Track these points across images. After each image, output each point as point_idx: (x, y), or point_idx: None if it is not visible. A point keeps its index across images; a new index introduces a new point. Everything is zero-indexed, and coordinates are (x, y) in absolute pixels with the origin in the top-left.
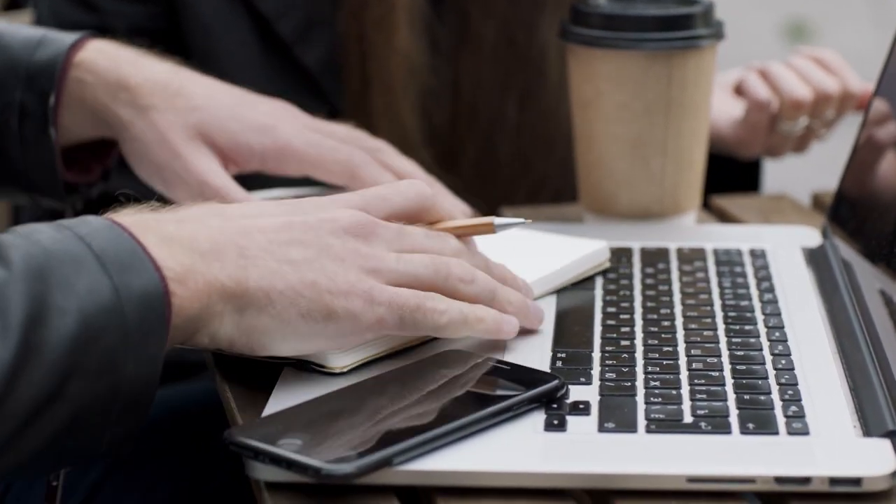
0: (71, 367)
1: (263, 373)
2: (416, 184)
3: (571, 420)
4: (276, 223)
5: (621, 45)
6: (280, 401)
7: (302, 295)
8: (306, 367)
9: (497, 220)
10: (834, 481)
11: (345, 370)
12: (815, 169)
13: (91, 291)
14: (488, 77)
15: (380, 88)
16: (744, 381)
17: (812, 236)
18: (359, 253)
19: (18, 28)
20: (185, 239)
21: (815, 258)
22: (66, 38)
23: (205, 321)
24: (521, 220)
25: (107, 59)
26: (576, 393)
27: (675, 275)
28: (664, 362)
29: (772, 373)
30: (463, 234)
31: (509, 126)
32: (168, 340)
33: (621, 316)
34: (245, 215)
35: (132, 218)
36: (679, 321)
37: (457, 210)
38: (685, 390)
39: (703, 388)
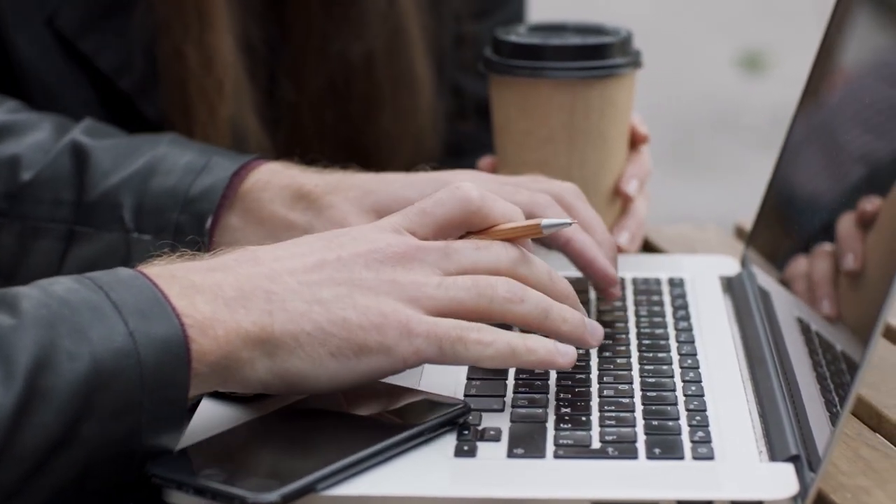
0: (82, 410)
1: None
2: (459, 190)
3: (481, 446)
4: (307, 263)
5: (522, 73)
6: (197, 432)
7: (332, 334)
8: (219, 395)
9: (544, 222)
10: None
11: (254, 395)
12: (744, 198)
13: (105, 337)
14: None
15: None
16: (653, 408)
17: (732, 265)
18: (396, 283)
19: (183, 151)
20: (209, 288)
21: (733, 287)
22: (232, 163)
23: (233, 368)
24: (568, 220)
25: (281, 176)
26: (488, 420)
27: (593, 304)
28: (576, 389)
29: (681, 399)
30: (511, 238)
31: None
32: (192, 387)
33: None
34: (278, 258)
35: (159, 269)
36: (594, 349)
37: (510, 212)
38: (595, 417)
39: (613, 414)
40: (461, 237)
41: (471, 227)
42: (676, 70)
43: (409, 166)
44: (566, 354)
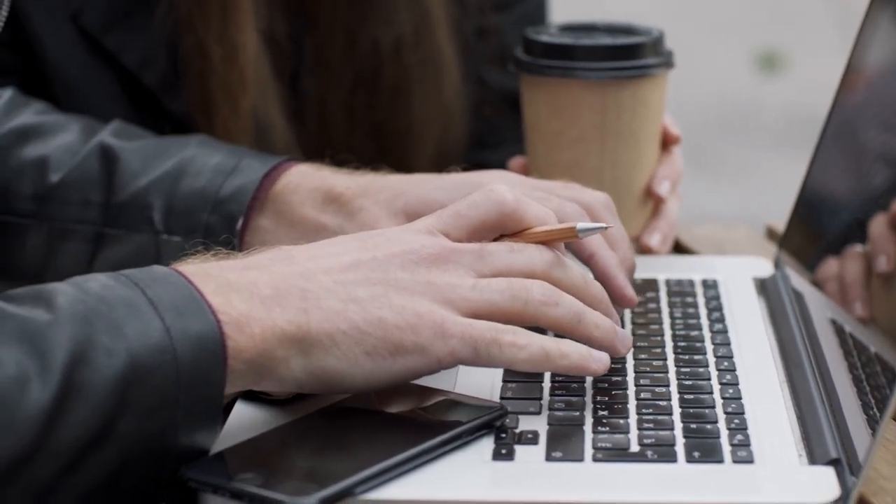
0: (119, 406)
1: None
2: (494, 193)
3: (519, 449)
4: (343, 263)
5: (554, 73)
6: (233, 434)
7: (367, 333)
8: (254, 397)
9: (580, 225)
10: None
11: (290, 398)
12: (773, 198)
13: (141, 333)
14: (336, 102)
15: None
16: (691, 411)
17: (764, 267)
18: (431, 284)
19: (212, 152)
20: (245, 286)
21: (767, 288)
22: (262, 165)
23: (269, 367)
24: (604, 224)
25: (312, 178)
26: (525, 422)
27: None
28: (613, 392)
29: (719, 402)
30: (546, 241)
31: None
32: (228, 384)
33: None
34: (312, 257)
35: (194, 267)
36: (629, 351)
37: (545, 215)
38: (633, 419)
39: (651, 417)
40: (495, 240)
41: (505, 229)
42: (691, 70)
43: (437, 152)
44: (599, 361)
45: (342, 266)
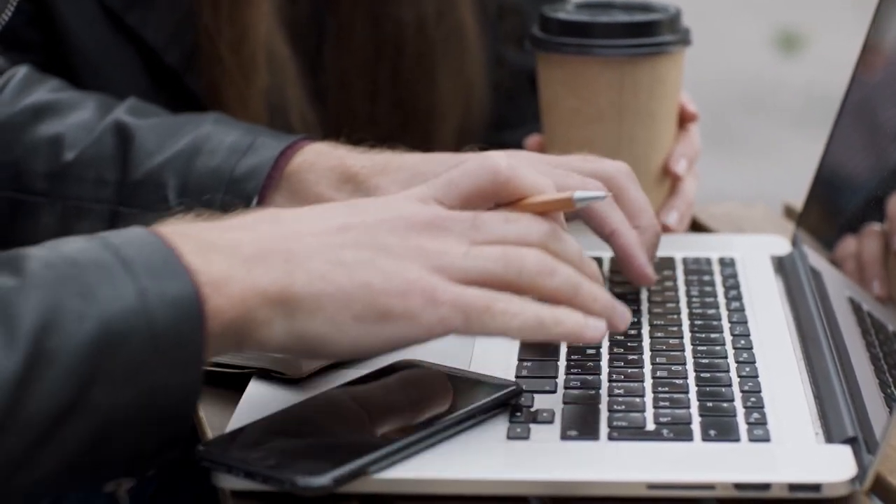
0: (92, 373)
1: (230, 383)
2: (488, 161)
3: (534, 428)
4: (331, 226)
5: (570, 50)
6: (246, 413)
7: (354, 297)
8: (267, 377)
9: (577, 194)
10: (793, 487)
11: (303, 377)
12: (790, 177)
13: (114, 297)
14: (357, 75)
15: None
16: (707, 389)
17: (782, 245)
18: (422, 250)
19: (228, 130)
20: (226, 246)
21: (784, 266)
22: (278, 143)
23: (251, 328)
24: (602, 193)
25: (328, 157)
26: (540, 401)
27: None
28: (629, 370)
29: (735, 380)
30: (542, 211)
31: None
32: (208, 347)
33: None
34: (299, 219)
35: (175, 227)
36: (646, 329)
37: (541, 184)
38: (648, 398)
39: (667, 395)
40: (492, 209)
41: (499, 198)
42: (709, 49)
43: (460, 130)
44: (596, 328)
45: (329, 229)
